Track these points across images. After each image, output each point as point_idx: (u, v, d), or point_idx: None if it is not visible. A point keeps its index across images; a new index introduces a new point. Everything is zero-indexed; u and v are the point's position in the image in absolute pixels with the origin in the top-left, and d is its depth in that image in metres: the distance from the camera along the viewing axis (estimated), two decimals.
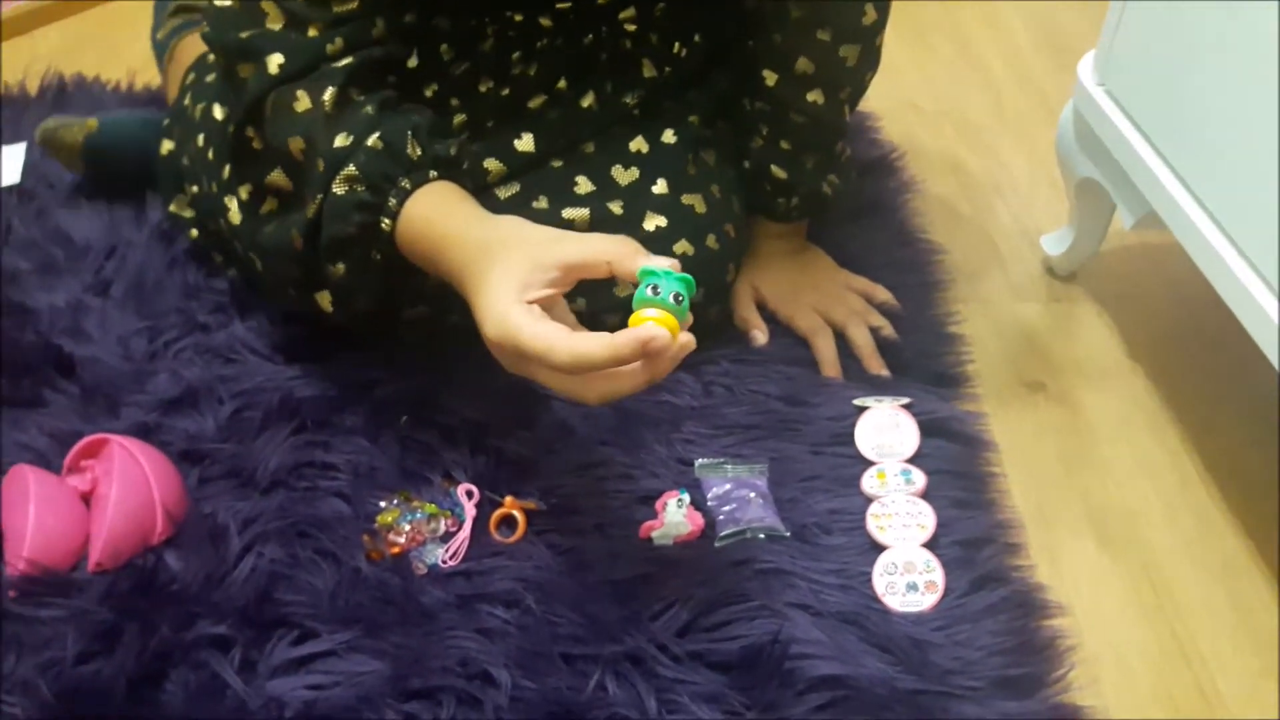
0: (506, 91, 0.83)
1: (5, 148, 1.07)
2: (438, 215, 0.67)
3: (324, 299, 0.76)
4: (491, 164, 0.82)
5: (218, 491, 0.76)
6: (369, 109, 0.70)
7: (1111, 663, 0.69)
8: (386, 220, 0.68)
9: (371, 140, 0.68)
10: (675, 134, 0.87)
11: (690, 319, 0.59)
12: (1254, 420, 0.86)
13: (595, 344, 0.57)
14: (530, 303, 0.60)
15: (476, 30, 0.82)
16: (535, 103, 0.84)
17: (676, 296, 0.57)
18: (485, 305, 0.60)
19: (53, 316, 0.89)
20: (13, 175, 1.04)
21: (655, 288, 0.57)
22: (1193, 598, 0.74)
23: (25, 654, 0.65)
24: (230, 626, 0.66)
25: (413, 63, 0.80)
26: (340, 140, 0.69)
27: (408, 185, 0.68)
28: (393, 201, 0.68)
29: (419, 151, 0.69)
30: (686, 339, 0.58)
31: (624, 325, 0.58)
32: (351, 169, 0.68)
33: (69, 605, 0.67)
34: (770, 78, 0.84)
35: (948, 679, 0.64)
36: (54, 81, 1.17)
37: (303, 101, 0.70)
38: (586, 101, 0.84)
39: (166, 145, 0.92)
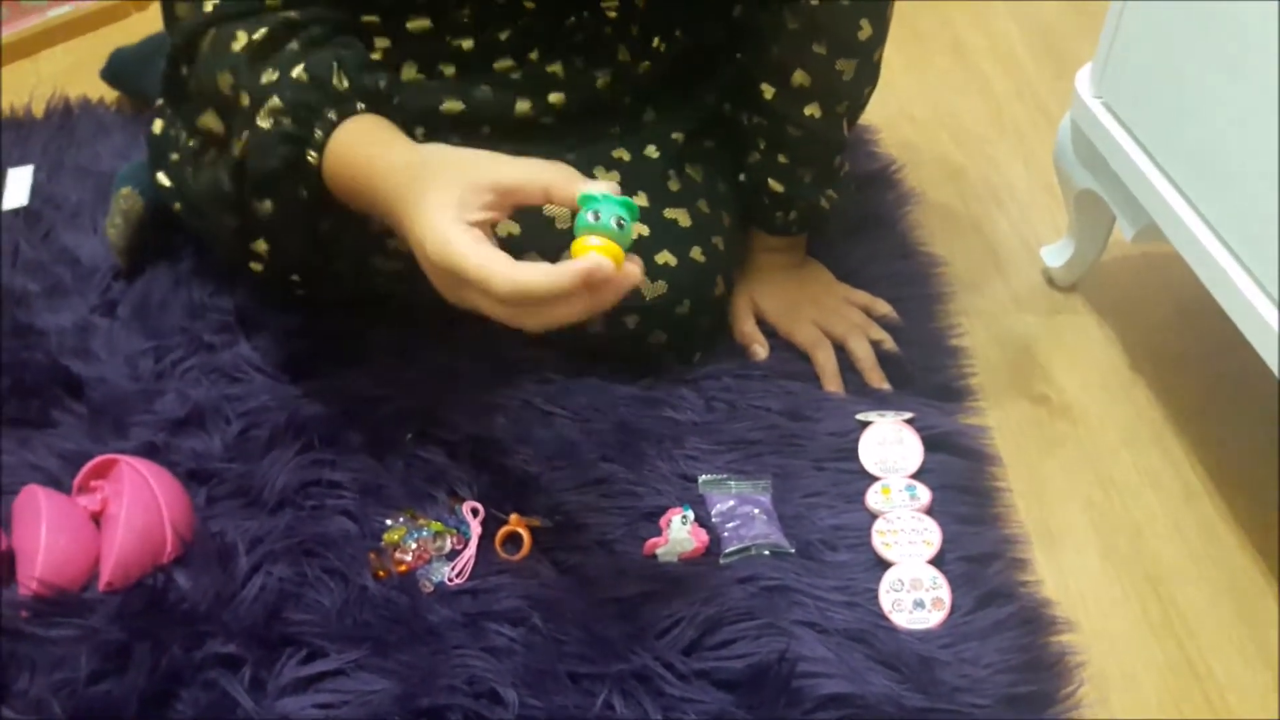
0: (471, 45, 0.82)
1: (11, 170, 1.08)
2: (364, 145, 0.65)
3: (259, 246, 0.75)
4: (451, 104, 0.80)
5: (225, 510, 0.76)
6: (294, 44, 0.69)
7: (1119, 679, 0.70)
8: (312, 153, 0.66)
9: (296, 72, 0.66)
10: (658, 149, 0.87)
11: (633, 239, 0.57)
12: (1257, 430, 0.86)
13: (536, 275, 0.55)
14: (470, 224, 0.58)
15: (455, 4, 0.81)
16: (501, 65, 0.83)
17: (619, 221, 0.56)
18: (424, 228, 0.58)
19: (60, 337, 0.89)
20: (20, 197, 1.05)
21: (596, 214, 0.56)
22: (1200, 611, 0.74)
23: (38, 673, 0.65)
24: (240, 645, 0.67)
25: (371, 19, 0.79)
26: (267, 76, 0.67)
27: (334, 117, 0.66)
28: (318, 134, 0.66)
29: (346, 83, 0.67)
30: (632, 270, 0.57)
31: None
32: (276, 101, 0.66)
33: (81, 625, 0.68)
34: (768, 91, 0.85)
35: (956, 697, 0.65)
36: (59, 104, 1.18)
37: (239, 40, 0.69)
38: (553, 69, 0.84)
39: (158, 124, 0.91)
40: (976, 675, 0.66)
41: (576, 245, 0.56)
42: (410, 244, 0.61)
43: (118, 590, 0.71)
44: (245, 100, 0.68)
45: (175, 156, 0.87)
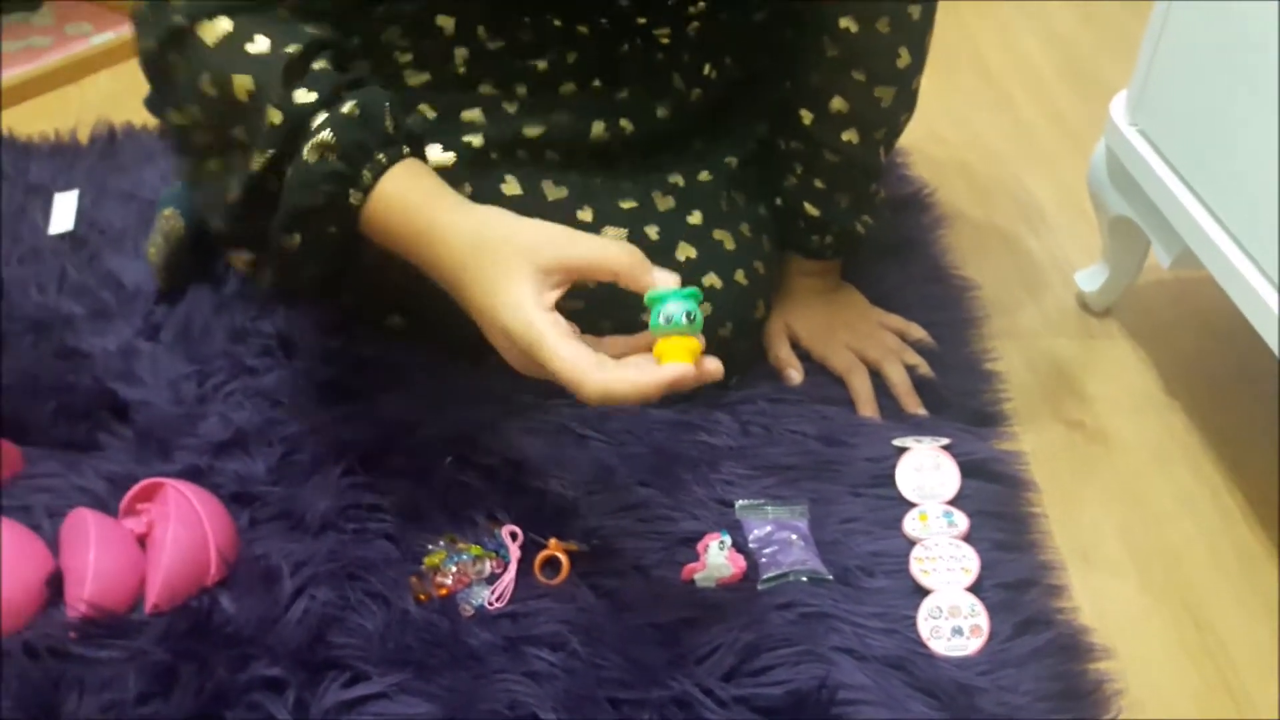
0: (544, 66, 0.83)
1: (57, 195, 1.10)
2: (414, 197, 0.65)
3: (238, 260, 0.74)
4: (531, 129, 0.82)
5: (269, 534, 0.77)
6: (323, 63, 0.67)
7: (1158, 707, 0.69)
8: (356, 194, 0.65)
9: (347, 107, 0.65)
10: (710, 173, 0.89)
11: (703, 323, 0.60)
12: None
13: (624, 386, 0.57)
14: (548, 308, 0.59)
15: (515, 27, 0.83)
16: (567, 89, 0.85)
17: (689, 315, 0.59)
18: (506, 316, 0.60)
19: (106, 360, 0.91)
20: (65, 222, 1.07)
21: (666, 314, 0.59)
22: (1239, 639, 0.73)
23: (87, 694, 0.66)
24: (284, 668, 0.67)
25: (448, 24, 0.80)
26: (302, 96, 0.65)
27: (383, 159, 0.65)
28: (367, 175, 0.65)
29: (394, 124, 0.67)
30: (713, 366, 0.60)
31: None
32: (327, 135, 0.64)
33: (128, 646, 0.68)
34: (806, 116, 0.86)
35: None
36: (104, 130, 1.21)
37: (259, 44, 0.66)
38: (620, 95, 0.86)
39: None
40: (1015, 702, 0.66)
41: (658, 347, 0.59)
42: (480, 320, 0.62)
43: (164, 612, 0.71)
44: (277, 118, 0.65)
45: None
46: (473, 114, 0.82)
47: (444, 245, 0.63)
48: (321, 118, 0.65)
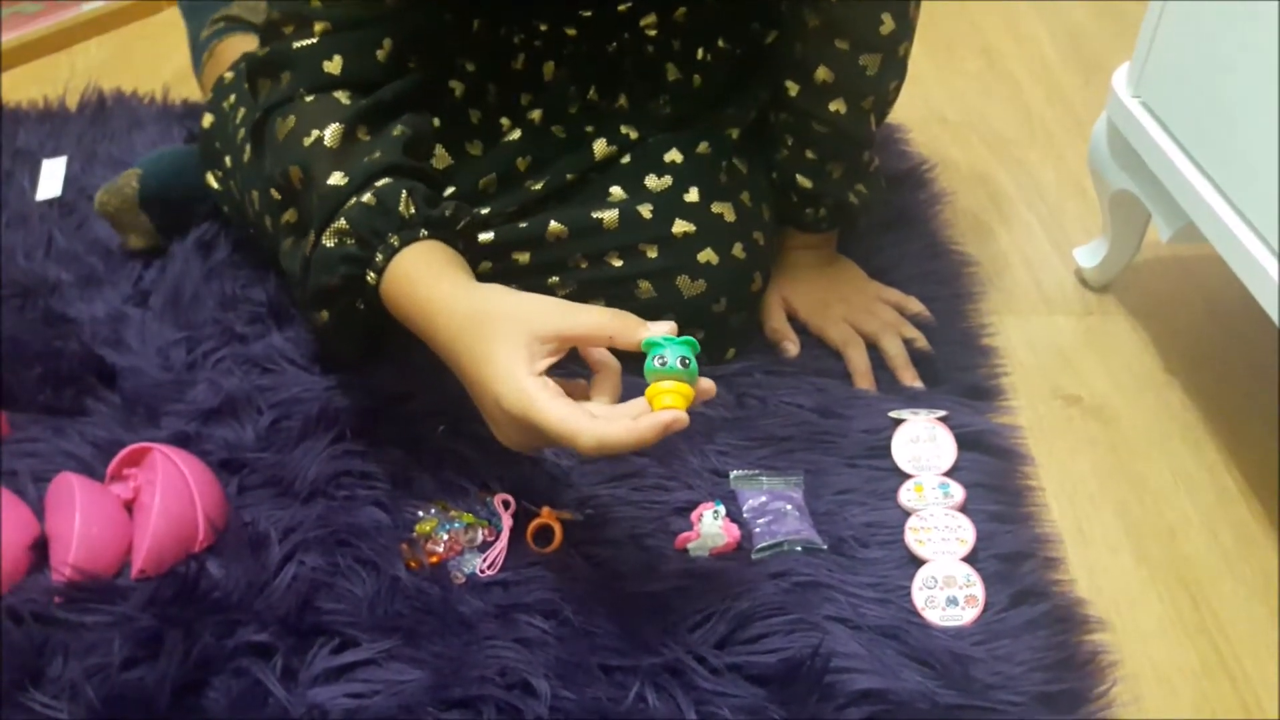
0: (548, 102, 0.85)
1: (45, 162, 1.09)
2: (424, 277, 0.68)
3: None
4: (523, 161, 0.84)
5: (258, 500, 0.76)
6: (376, 155, 0.71)
7: (1153, 679, 0.69)
8: (372, 274, 0.69)
9: (366, 196, 0.69)
10: (710, 145, 0.88)
11: (698, 374, 0.61)
12: None
13: (619, 433, 0.58)
14: (539, 374, 0.60)
15: (505, 44, 0.83)
16: (573, 109, 0.86)
17: (683, 361, 0.60)
18: (499, 382, 0.61)
19: (94, 327, 0.90)
20: (53, 188, 1.06)
21: (662, 359, 0.60)
22: (1234, 614, 0.73)
23: (71, 659, 0.65)
24: (272, 634, 0.67)
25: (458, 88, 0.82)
26: (335, 179, 0.70)
27: (396, 242, 0.69)
28: (379, 257, 0.69)
29: (412, 210, 0.70)
30: (705, 385, 0.61)
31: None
32: (342, 223, 0.69)
33: (114, 612, 0.68)
34: (792, 88, 0.85)
35: (989, 694, 0.64)
36: (93, 97, 1.19)
37: (311, 136, 0.72)
38: (619, 103, 0.86)
39: (208, 119, 0.94)
40: (1010, 673, 0.65)
41: (651, 391, 0.60)
42: (473, 389, 0.64)
43: (150, 578, 0.71)
44: (314, 200, 0.71)
45: (229, 162, 0.88)
46: (474, 147, 0.85)
47: (443, 317, 0.65)
48: (346, 204, 0.69)
